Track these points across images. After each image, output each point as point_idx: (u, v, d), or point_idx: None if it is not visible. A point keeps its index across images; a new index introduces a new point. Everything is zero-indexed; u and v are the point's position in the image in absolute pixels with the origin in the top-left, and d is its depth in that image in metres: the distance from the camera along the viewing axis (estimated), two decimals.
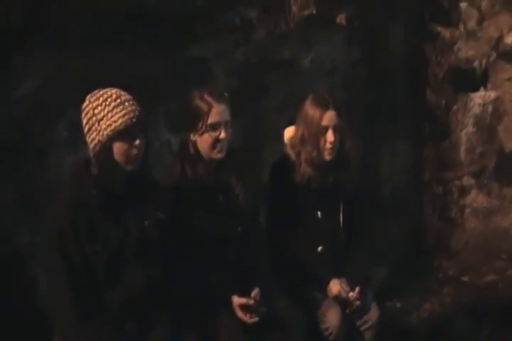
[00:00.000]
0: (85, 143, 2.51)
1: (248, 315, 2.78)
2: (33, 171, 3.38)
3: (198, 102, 2.83)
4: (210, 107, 2.81)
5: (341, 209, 3.22)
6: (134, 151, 2.48)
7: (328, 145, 3.10)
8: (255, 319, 2.78)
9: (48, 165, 3.42)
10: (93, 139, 2.47)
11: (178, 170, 2.87)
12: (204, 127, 2.82)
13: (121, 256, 2.50)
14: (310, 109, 3.10)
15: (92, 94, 2.51)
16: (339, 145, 3.14)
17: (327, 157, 3.13)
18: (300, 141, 3.15)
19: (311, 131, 3.10)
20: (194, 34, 3.86)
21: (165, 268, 2.62)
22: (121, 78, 2.97)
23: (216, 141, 2.83)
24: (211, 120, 2.81)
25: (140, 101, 2.53)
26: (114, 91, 2.50)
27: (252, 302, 2.78)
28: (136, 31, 3.63)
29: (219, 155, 2.86)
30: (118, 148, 2.46)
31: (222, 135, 2.83)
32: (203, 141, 2.85)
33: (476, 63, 4.65)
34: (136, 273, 2.52)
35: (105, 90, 2.50)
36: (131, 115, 2.46)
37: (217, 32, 3.95)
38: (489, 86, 4.66)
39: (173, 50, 3.79)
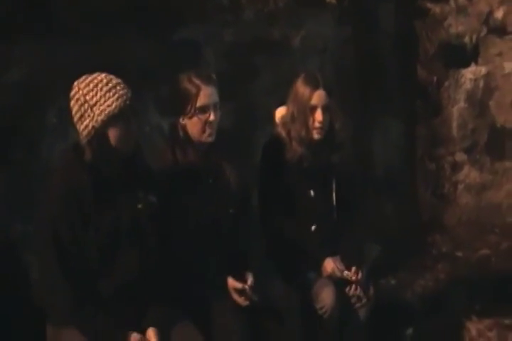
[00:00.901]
0: (76, 130, 2.49)
1: (242, 298, 2.80)
2: (24, 159, 3.38)
3: (186, 85, 2.82)
4: (199, 89, 2.80)
5: (334, 188, 3.22)
6: (129, 135, 2.48)
7: (317, 125, 3.10)
8: (247, 303, 2.80)
9: (39, 153, 3.41)
10: (86, 126, 2.45)
11: (169, 154, 2.87)
12: (193, 110, 2.81)
13: (115, 241, 2.51)
14: (300, 88, 3.10)
15: (80, 81, 2.48)
16: (329, 125, 3.14)
17: (316, 136, 3.12)
18: (290, 119, 3.15)
19: (300, 110, 3.10)
20: (182, 17, 3.83)
21: (158, 252, 2.62)
22: (110, 63, 2.97)
23: (206, 123, 2.82)
24: (200, 102, 2.80)
25: (130, 85, 2.51)
26: (103, 75, 2.48)
27: (246, 288, 2.80)
28: (124, 16, 3.61)
29: (209, 139, 2.86)
30: (114, 132, 2.46)
31: (212, 117, 2.82)
32: (192, 124, 2.85)
33: (467, 38, 4.62)
34: (129, 258, 2.53)
35: (94, 75, 2.48)
36: (124, 98, 2.45)
37: (206, 14, 3.91)
38: (480, 61, 4.64)
39: (161, 33, 3.77)
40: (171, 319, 2.60)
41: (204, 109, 2.81)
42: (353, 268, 3.10)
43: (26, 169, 3.36)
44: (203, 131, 2.84)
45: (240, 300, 2.80)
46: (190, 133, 2.87)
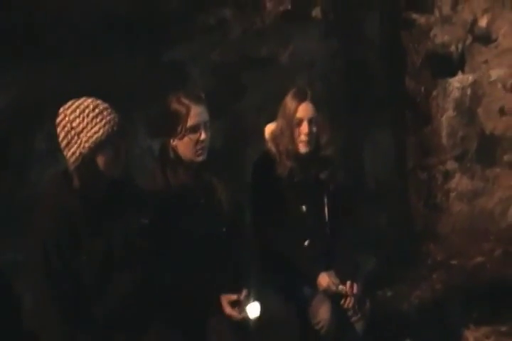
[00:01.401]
0: (65, 157, 2.48)
1: (237, 310, 2.79)
2: (12, 185, 3.38)
3: (176, 106, 2.83)
4: (188, 110, 2.81)
5: (326, 203, 3.23)
6: (118, 160, 2.47)
7: (303, 138, 3.11)
8: (243, 315, 2.79)
9: (28, 179, 3.40)
10: (73, 153, 2.43)
11: (159, 176, 2.88)
12: (184, 130, 2.83)
13: (108, 266, 2.50)
14: (288, 101, 3.13)
15: (66, 107, 2.46)
16: (316, 140, 3.15)
17: (302, 149, 3.13)
18: (279, 133, 3.17)
19: (288, 123, 3.12)
20: (169, 37, 3.85)
21: (152, 274, 2.62)
22: (98, 86, 2.99)
23: (197, 143, 2.84)
24: (190, 122, 2.82)
25: (118, 107, 2.51)
26: (89, 101, 2.46)
27: (241, 297, 2.80)
28: (110, 38, 3.62)
29: (200, 158, 2.87)
30: (102, 158, 2.44)
31: (203, 136, 2.83)
32: (183, 145, 2.86)
33: (453, 47, 4.64)
34: (123, 282, 2.52)
35: (80, 101, 2.46)
36: (112, 123, 2.44)
37: (192, 34, 3.93)
38: (467, 69, 4.66)
39: (149, 54, 3.79)
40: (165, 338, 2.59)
41: (195, 129, 2.83)
42: (348, 283, 3.10)
43: (15, 195, 3.36)
44: (195, 151, 2.85)
45: (235, 314, 2.79)
46: (182, 153, 2.87)
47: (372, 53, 4.65)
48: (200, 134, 2.83)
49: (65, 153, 2.48)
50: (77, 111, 2.43)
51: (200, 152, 2.86)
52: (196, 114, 2.83)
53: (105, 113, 2.45)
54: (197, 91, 2.97)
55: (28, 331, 2.53)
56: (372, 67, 4.64)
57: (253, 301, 2.81)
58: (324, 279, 3.11)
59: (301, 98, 3.11)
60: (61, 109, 2.48)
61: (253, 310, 2.80)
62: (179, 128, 2.83)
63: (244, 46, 4.14)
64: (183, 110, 2.82)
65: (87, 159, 2.43)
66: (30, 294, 2.49)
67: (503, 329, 3.61)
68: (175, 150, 2.88)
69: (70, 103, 2.47)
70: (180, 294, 2.76)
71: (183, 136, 2.83)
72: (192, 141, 2.83)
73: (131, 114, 3.50)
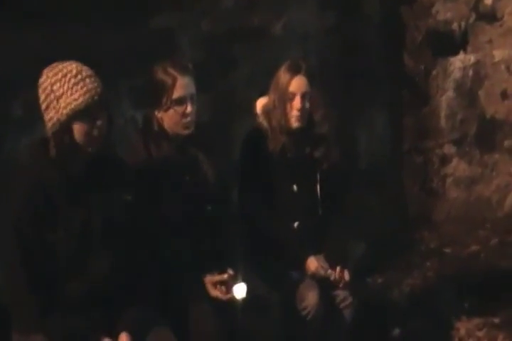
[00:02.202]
0: (43, 122, 2.42)
1: (223, 290, 2.75)
2: None
3: (162, 76, 2.78)
4: (175, 80, 2.76)
5: (318, 183, 3.20)
6: (95, 132, 2.39)
7: (295, 113, 3.07)
8: (230, 295, 2.76)
9: (2, 147, 3.35)
10: (51, 118, 2.38)
11: (141, 149, 2.83)
12: (169, 102, 2.77)
13: (85, 242, 2.44)
14: (281, 74, 3.10)
15: (50, 68, 2.40)
16: (309, 116, 3.11)
17: (294, 124, 3.10)
18: (271, 107, 3.13)
19: (280, 97, 3.09)
20: (158, 4, 3.78)
21: (132, 252, 2.56)
22: (81, 52, 2.90)
23: (183, 115, 2.79)
24: (176, 94, 2.77)
25: (102, 76, 2.44)
26: (74, 65, 2.39)
27: (225, 276, 2.77)
28: (97, 2, 3.55)
29: (186, 131, 2.82)
30: (78, 128, 2.38)
31: (189, 109, 2.78)
32: (168, 117, 2.80)
33: (455, 25, 4.62)
34: (101, 259, 2.47)
35: (65, 64, 2.40)
36: (93, 93, 2.37)
37: (182, 1, 3.87)
38: (469, 49, 4.64)
39: (136, 21, 3.71)
40: (145, 323, 2.54)
41: (181, 101, 2.78)
42: (338, 268, 3.07)
43: None
44: (180, 124, 2.80)
45: (221, 295, 2.76)
46: (167, 126, 2.82)
47: (371, 29, 4.61)
48: (186, 107, 2.78)
49: (44, 116, 2.42)
50: (59, 74, 2.38)
51: (186, 125, 2.81)
52: (183, 85, 2.77)
53: (88, 80, 2.38)
54: (184, 62, 2.92)
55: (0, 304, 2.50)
56: (369, 43, 4.61)
57: (239, 281, 2.78)
58: (313, 263, 3.09)
59: (294, 71, 3.07)
60: (45, 70, 2.42)
61: (239, 290, 2.77)
62: (164, 100, 2.78)
63: (236, 15, 4.08)
64: (168, 81, 2.76)
65: (64, 127, 2.37)
66: (1, 268, 2.43)
67: (496, 321, 3.62)
68: (159, 122, 2.83)
69: (54, 64, 2.41)
70: (161, 274, 2.71)
71: (169, 108, 2.78)
72: (178, 113, 2.78)
73: (116, 83, 3.45)
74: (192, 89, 2.81)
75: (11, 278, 2.41)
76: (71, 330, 2.39)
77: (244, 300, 2.77)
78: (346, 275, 3.08)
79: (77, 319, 2.40)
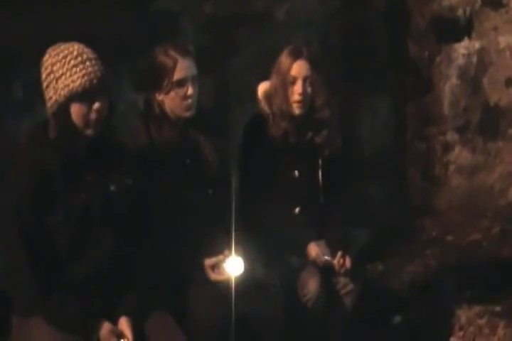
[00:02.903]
0: (43, 103, 2.43)
1: (218, 271, 2.76)
2: None
3: (162, 58, 2.78)
4: (175, 62, 2.76)
5: (320, 169, 3.20)
6: (93, 115, 2.39)
7: (296, 97, 3.07)
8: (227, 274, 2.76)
9: (3, 128, 3.35)
10: (50, 97, 2.38)
11: (142, 133, 2.82)
12: (170, 84, 2.77)
13: (85, 226, 2.45)
14: (282, 58, 3.09)
15: (53, 47, 2.41)
16: (311, 101, 3.10)
17: (296, 110, 3.09)
18: (273, 93, 3.13)
19: (281, 82, 3.08)
20: None
21: (132, 236, 2.57)
22: (82, 34, 2.89)
23: (184, 97, 2.78)
24: (177, 76, 2.76)
25: (103, 59, 2.43)
26: (76, 47, 2.39)
27: (221, 257, 2.77)
28: None
29: (187, 113, 2.82)
30: (76, 110, 2.38)
31: (190, 91, 2.78)
32: (169, 99, 2.80)
33: (460, 11, 4.59)
34: (101, 244, 2.48)
35: (67, 45, 2.40)
36: (92, 76, 2.36)
37: None
38: (474, 35, 4.61)
39: (138, 4, 3.72)
40: (145, 308, 2.55)
41: (181, 83, 2.77)
42: (339, 254, 3.08)
43: None
44: (181, 106, 2.80)
45: (217, 276, 2.76)
46: (168, 108, 2.82)
47: (374, 14, 4.60)
48: (188, 89, 2.78)
49: (45, 95, 2.42)
50: (61, 55, 2.38)
51: (187, 107, 2.81)
52: (184, 67, 2.77)
53: (88, 63, 2.37)
54: (186, 44, 2.92)
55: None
56: (373, 29, 4.61)
57: (236, 258, 2.77)
58: (313, 249, 3.09)
59: (296, 55, 3.06)
60: (49, 49, 2.42)
61: (234, 265, 2.76)
62: (165, 82, 2.77)
63: (239, 0, 4.08)
64: (169, 62, 2.76)
65: (62, 108, 2.37)
66: (3, 249, 2.44)
67: (497, 309, 3.61)
68: (161, 105, 2.82)
69: (58, 44, 2.42)
70: (162, 259, 2.71)
71: (169, 90, 2.78)
72: (179, 95, 2.78)
73: (117, 67, 3.44)
74: (193, 71, 2.81)
75: (12, 261, 2.42)
76: (70, 314, 2.39)
77: (244, 281, 2.76)
78: (347, 262, 3.08)
79: (76, 303, 2.41)
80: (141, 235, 2.61)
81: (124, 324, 2.47)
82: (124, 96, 3.64)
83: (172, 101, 2.80)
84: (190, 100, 2.80)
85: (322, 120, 3.16)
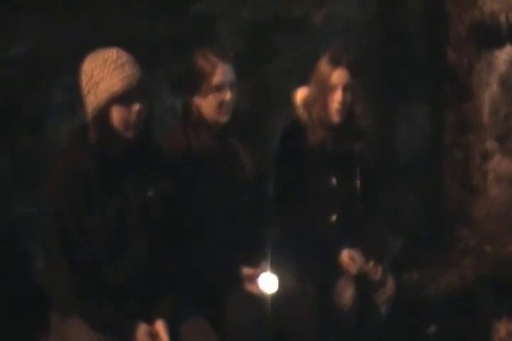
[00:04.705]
0: (83, 107, 2.49)
1: (255, 284, 2.78)
2: (28, 139, 3.38)
3: (201, 62, 2.81)
4: (215, 67, 2.79)
5: (358, 177, 3.20)
6: (134, 117, 2.45)
7: (336, 106, 3.06)
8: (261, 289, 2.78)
9: (44, 133, 3.41)
10: (91, 103, 2.44)
11: (181, 137, 2.86)
12: (208, 88, 2.80)
13: (123, 229, 2.50)
14: (322, 65, 3.08)
15: (92, 54, 2.48)
16: (350, 109, 3.10)
17: (335, 118, 3.09)
18: (311, 100, 3.13)
19: (320, 89, 3.08)
20: None
21: (168, 241, 2.61)
22: (120, 39, 2.94)
23: (221, 102, 2.82)
24: (216, 80, 2.80)
25: (141, 63, 2.50)
26: (115, 51, 2.46)
27: (258, 271, 2.79)
28: None
29: (224, 118, 2.85)
30: (116, 113, 2.43)
31: (228, 96, 2.81)
32: (207, 103, 2.83)
33: (502, 17, 4.54)
34: (138, 247, 2.52)
35: (106, 50, 2.47)
36: (131, 78, 2.42)
37: None
38: None
39: (175, 8, 3.75)
40: (181, 312, 2.59)
41: (220, 88, 2.81)
42: (371, 263, 3.08)
43: (29, 149, 3.36)
44: (219, 110, 2.83)
45: (253, 288, 2.79)
46: (205, 112, 2.85)
47: (413, 20, 4.57)
48: (225, 94, 2.81)
49: (85, 101, 2.48)
50: (100, 59, 2.45)
51: (224, 112, 2.84)
52: (222, 72, 2.80)
53: (127, 66, 2.44)
54: (225, 49, 2.96)
55: (39, 287, 2.55)
56: (412, 35, 4.57)
57: (271, 275, 2.80)
58: (347, 257, 3.09)
59: (336, 63, 3.05)
60: (89, 55, 2.49)
61: (269, 283, 2.79)
62: (204, 86, 2.81)
63: (277, 5, 4.09)
64: (208, 67, 2.79)
65: (102, 111, 2.43)
66: (44, 254, 2.51)
67: None
68: (198, 109, 2.86)
69: (96, 51, 2.49)
70: (198, 264, 2.74)
71: (207, 94, 2.81)
72: (216, 99, 2.81)
73: (155, 71, 3.48)
74: (231, 76, 2.84)
75: (52, 262, 2.47)
76: (107, 315, 2.45)
77: (277, 291, 2.79)
78: (379, 271, 3.08)
79: (114, 304, 2.45)
80: (177, 239, 2.65)
81: (160, 326, 2.51)
82: (162, 100, 3.68)
83: (209, 105, 2.83)
84: (227, 105, 2.83)
85: (361, 128, 3.16)
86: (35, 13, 3.34)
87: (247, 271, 2.82)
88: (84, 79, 2.46)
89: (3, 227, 3.21)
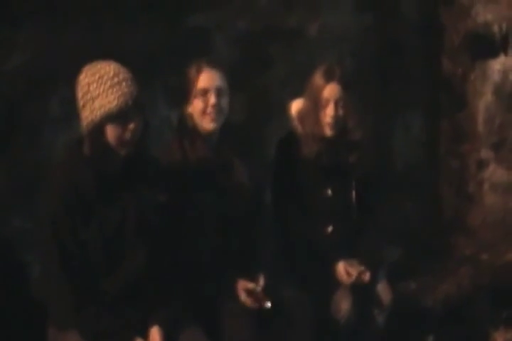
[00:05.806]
0: (80, 119, 2.49)
1: (252, 299, 2.79)
2: (24, 151, 3.39)
3: (191, 69, 2.86)
4: (200, 71, 2.83)
5: (353, 188, 3.21)
6: (128, 135, 2.45)
7: (328, 120, 3.08)
8: (257, 305, 2.78)
9: (40, 145, 3.42)
10: (86, 117, 2.44)
11: (176, 148, 2.87)
12: (195, 93, 2.83)
13: (119, 241, 2.50)
14: (315, 80, 3.10)
15: (89, 67, 2.46)
16: (343, 122, 3.12)
17: (328, 132, 3.11)
18: (305, 113, 3.15)
19: (313, 103, 3.10)
20: (194, 3, 3.83)
21: (165, 253, 2.62)
22: (117, 51, 2.97)
23: (206, 106, 2.82)
24: (201, 84, 2.83)
25: (138, 75, 2.49)
26: (112, 67, 2.45)
27: (259, 289, 2.80)
28: (132, 1, 3.61)
29: (211, 125, 2.85)
30: (111, 130, 2.43)
31: (213, 100, 2.81)
32: (193, 109, 2.85)
33: (496, 27, 4.56)
34: (135, 258, 2.53)
35: (104, 64, 2.45)
36: (127, 97, 2.42)
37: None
38: (510, 52, 4.58)
39: (171, 20, 3.77)
40: (177, 323, 2.59)
41: (204, 92, 2.83)
42: (367, 273, 3.07)
43: (27, 160, 3.38)
44: (203, 115, 2.83)
45: (250, 302, 2.79)
46: (197, 120, 2.86)
47: (408, 31, 4.59)
48: (210, 98, 2.82)
49: (81, 114, 2.48)
50: (97, 75, 2.43)
51: (210, 117, 2.83)
52: (208, 77, 2.83)
53: (124, 84, 2.43)
54: (220, 60, 2.99)
55: (36, 299, 2.55)
56: (407, 45, 4.58)
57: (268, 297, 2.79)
58: (340, 271, 3.09)
59: (329, 77, 3.07)
60: (85, 67, 2.48)
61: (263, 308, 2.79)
62: (191, 92, 2.84)
63: (272, 15, 4.11)
64: (194, 72, 2.84)
65: (97, 127, 2.43)
66: (40, 262, 2.51)
67: None
68: (192, 119, 2.87)
69: (94, 63, 2.47)
70: (194, 275, 2.75)
71: (194, 98, 2.84)
72: (202, 103, 2.83)
73: (151, 83, 3.49)
74: (219, 83, 2.85)
75: (48, 274, 2.47)
76: (103, 327, 2.44)
77: (275, 302, 2.78)
78: (366, 277, 3.07)
79: (110, 317, 2.46)
80: (173, 250, 2.65)
81: (155, 334, 2.50)
82: (158, 112, 3.69)
83: (195, 111, 2.85)
84: (213, 110, 2.83)
85: (355, 141, 3.17)
86: (32, 25, 3.35)
87: (245, 283, 2.82)
88: (80, 92, 2.46)
89: (1, 239, 3.22)
